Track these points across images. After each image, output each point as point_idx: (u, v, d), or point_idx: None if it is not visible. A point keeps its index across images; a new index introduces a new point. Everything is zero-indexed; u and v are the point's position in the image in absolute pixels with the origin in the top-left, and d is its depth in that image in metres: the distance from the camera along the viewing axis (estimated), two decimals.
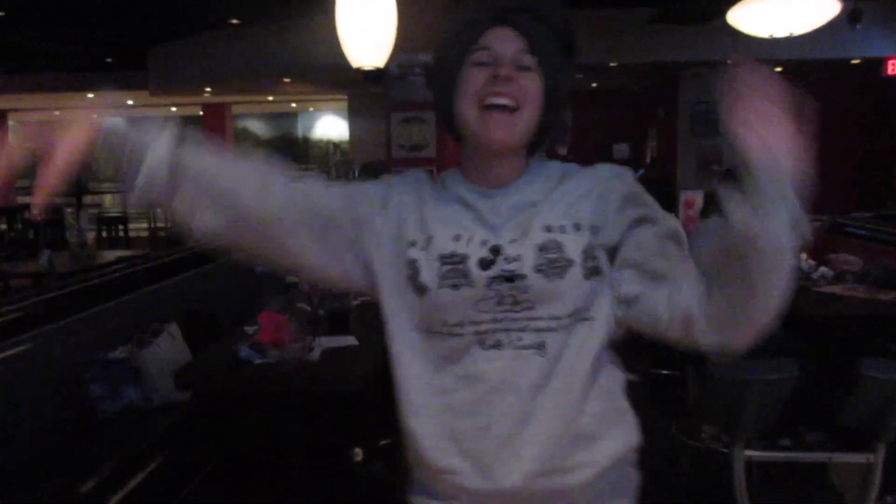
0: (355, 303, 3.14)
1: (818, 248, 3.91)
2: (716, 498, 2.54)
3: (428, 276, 1.01)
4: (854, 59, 8.82)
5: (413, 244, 1.04)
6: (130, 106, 17.09)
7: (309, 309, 2.89)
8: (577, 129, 12.86)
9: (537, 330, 0.99)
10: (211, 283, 3.91)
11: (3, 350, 2.46)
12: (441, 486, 1.06)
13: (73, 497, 2.22)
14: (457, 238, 1.02)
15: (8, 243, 8.45)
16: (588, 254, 0.99)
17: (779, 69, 9.15)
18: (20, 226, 9.90)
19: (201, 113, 16.44)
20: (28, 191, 14.56)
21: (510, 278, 0.98)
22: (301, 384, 2.33)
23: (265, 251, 1.06)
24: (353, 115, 13.12)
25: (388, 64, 3.94)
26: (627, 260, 1.01)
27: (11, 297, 2.78)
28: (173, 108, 18.00)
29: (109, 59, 12.04)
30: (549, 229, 1.00)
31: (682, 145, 10.08)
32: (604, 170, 1.08)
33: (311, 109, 19.52)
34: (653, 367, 4.39)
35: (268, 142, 20.69)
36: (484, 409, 1.00)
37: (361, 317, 2.88)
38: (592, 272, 0.99)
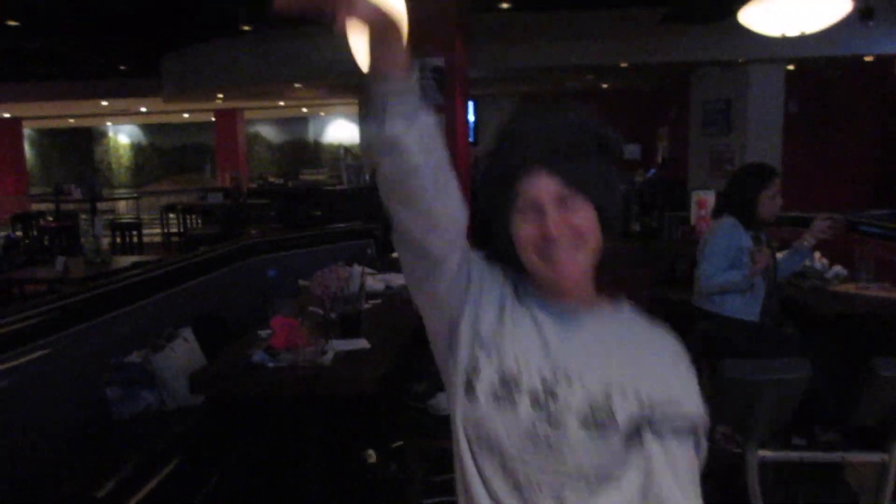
0: (366, 306, 3.15)
1: (831, 247, 3.89)
2: (729, 499, 2.53)
3: (482, 386, 1.02)
4: (867, 55, 8.75)
5: (482, 345, 1.05)
6: (143, 113, 17.24)
7: (321, 312, 2.91)
8: None
9: (561, 481, 0.99)
10: (224, 287, 3.93)
11: (21, 356, 2.49)
12: None
13: (89, 501, 2.24)
14: (517, 360, 1.03)
15: (23, 250, 8.53)
16: (634, 424, 0.99)
17: (791, 67, 9.11)
18: (35, 232, 10.01)
19: (213, 119, 16.55)
20: (42, 198, 14.62)
21: (554, 425, 0.98)
22: (314, 387, 2.35)
23: (420, 211, 0.98)
24: (363, 119, 13.16)
25: None
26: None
27: (28, 303, 2.81)
28: (186, 115, 18.15)
29: (123, 67, 12.13)
30: (608, 386, 1.00)
31: (693, 145, 10.03)
32: (680, 354, 1.08)
33: (322, 114, 19.61)
34: None
35: (280, 146, 20.80)
36: None
37: (373, 320, 2.90)
38: (632, 441, 1.00)
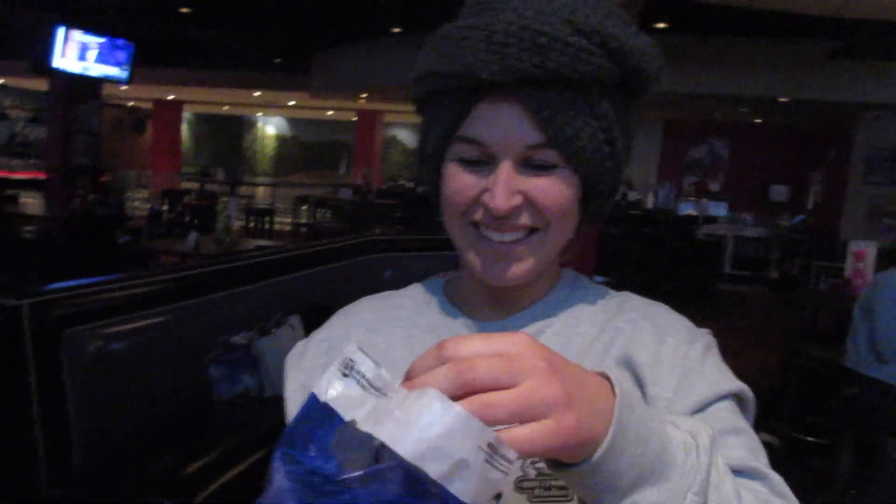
0: None
1: None
2: None
3: None
4: None
5: None
6: (290, 106, 18.04)
7: None
8: (733, 166, 12.13)
9: None
10: (339, 281, 3.90)
11: (141, 319, 2.52)
12: None
13: (177, 476, 2.21)
14: None
15: (163, 223, 9.09)
16: None
17: None
18: (180, 208, 10.61)
19: (355, 118, 17.05)
20: (191, 176, 15.64)
21: None
22: None
23: None
24: None
25: None
26: None
27: (155, 270, 2.86)
28: (330, 112, 18.81)
29: (277, 60, 12.69)
30: None
31: (851, 192, 9.25)
32: (676, 328, 0.70)
33: None
34: (797, 432, 3.96)
35: (414, 151, 21.19)
36: None
37: None
38: None
